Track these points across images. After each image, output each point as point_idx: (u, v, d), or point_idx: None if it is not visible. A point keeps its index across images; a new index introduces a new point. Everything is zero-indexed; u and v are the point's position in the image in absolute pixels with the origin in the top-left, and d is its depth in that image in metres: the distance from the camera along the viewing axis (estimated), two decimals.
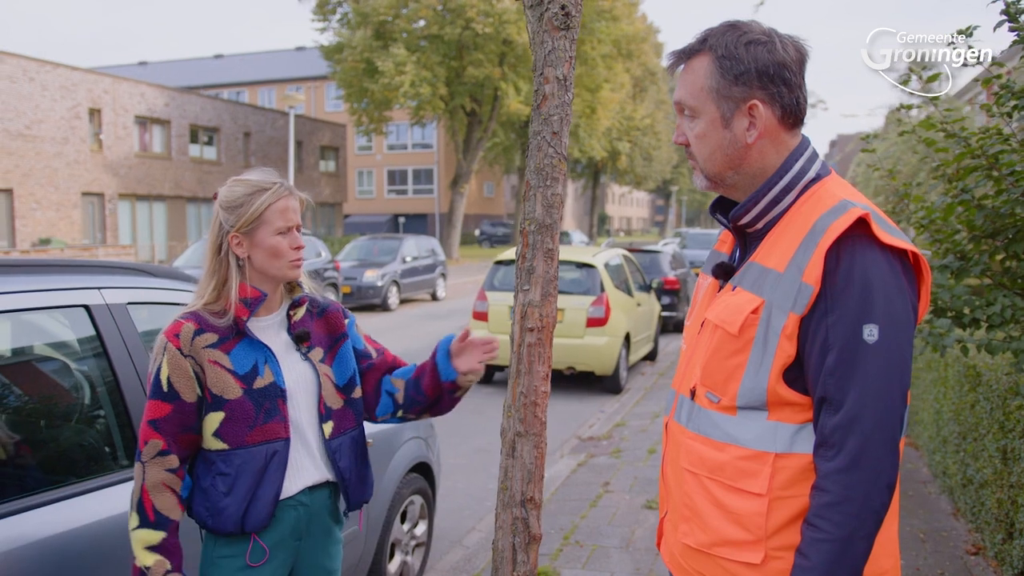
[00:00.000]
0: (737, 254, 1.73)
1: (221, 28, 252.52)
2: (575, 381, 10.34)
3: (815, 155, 1.64)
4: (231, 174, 24.94)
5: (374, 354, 2.37)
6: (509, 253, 10.84)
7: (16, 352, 2.80)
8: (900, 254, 1.49)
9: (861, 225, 1.47)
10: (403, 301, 20.22)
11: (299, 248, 2.14)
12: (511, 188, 60.27)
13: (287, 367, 2.15)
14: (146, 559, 1.99)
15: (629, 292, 10.66)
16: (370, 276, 18.64)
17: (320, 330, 2.27)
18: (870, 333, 1.43)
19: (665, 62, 1.71)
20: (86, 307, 2.64)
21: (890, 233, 1.48)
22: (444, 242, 37.56)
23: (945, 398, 5.35)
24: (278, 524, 2.10)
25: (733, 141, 1.60)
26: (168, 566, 1.99)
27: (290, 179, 25.01)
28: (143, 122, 29.91)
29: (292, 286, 2.27)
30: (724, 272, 1.71)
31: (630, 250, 14.30)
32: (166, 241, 30.49)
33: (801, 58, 1.60)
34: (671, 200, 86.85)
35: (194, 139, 32.50)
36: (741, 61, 1.56)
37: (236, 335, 2.09)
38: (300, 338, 2.20)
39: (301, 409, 2.15)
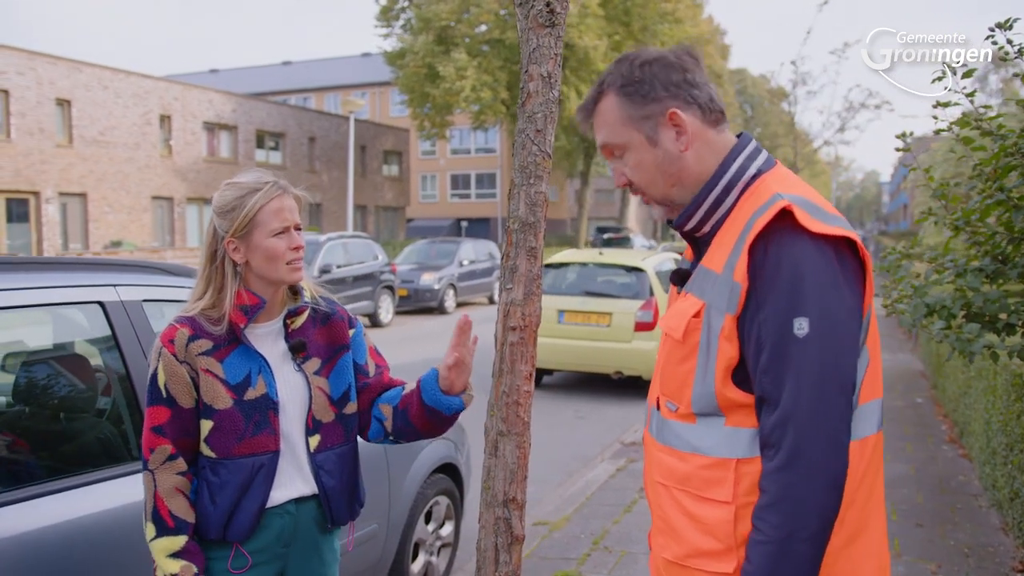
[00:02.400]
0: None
1: (290, 36, 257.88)
2: (623, 386, 10.25)
3: (757, 151, 1.60)
4: (296, 179, 25.23)
5: (372, 372, 2.27)
6: (559, 256, 10.81)
7: (33, 346, 2.90)
8: (834, 241, 1.43)
9: (786, 216, 1.42)
10: (460, 304, 20.34)
11: (298, 248, 2.06)
12: (574, 192, 60.10)
13: (281, 378, 2.10)
14: (171, 566, 1.96)
15: None
16: (427, 279, 18.81)
17: (320, 339, 2.19)
18: (800, 327, 1.38)
19: (577, 119, 1.69)
20: (101, 304, 2.71)
21: (822, 221, 1.43)
22: None
23: (994, 407, 5.15)
24: (264, 531, 2.07)
25: (667, 156, 1.57)
26: (195, 569, 1.97)
27: (350, 183, 25.54)
28: (211, 128, 30.73)
29: (294, 292, 2.19)
30: (680, 279, 1.68)
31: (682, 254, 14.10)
32: None
33: (695, 58, 1.60)
34: None
35: (260, 144, 33.24)
36: (643, 81, 1.55)
37: (231, 343, 2.05)
38: (296, 349, 2.13)
39: (292, 421, 2.10)
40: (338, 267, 15.67)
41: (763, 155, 1.60)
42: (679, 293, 1.66)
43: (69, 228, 25.23)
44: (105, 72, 25.92)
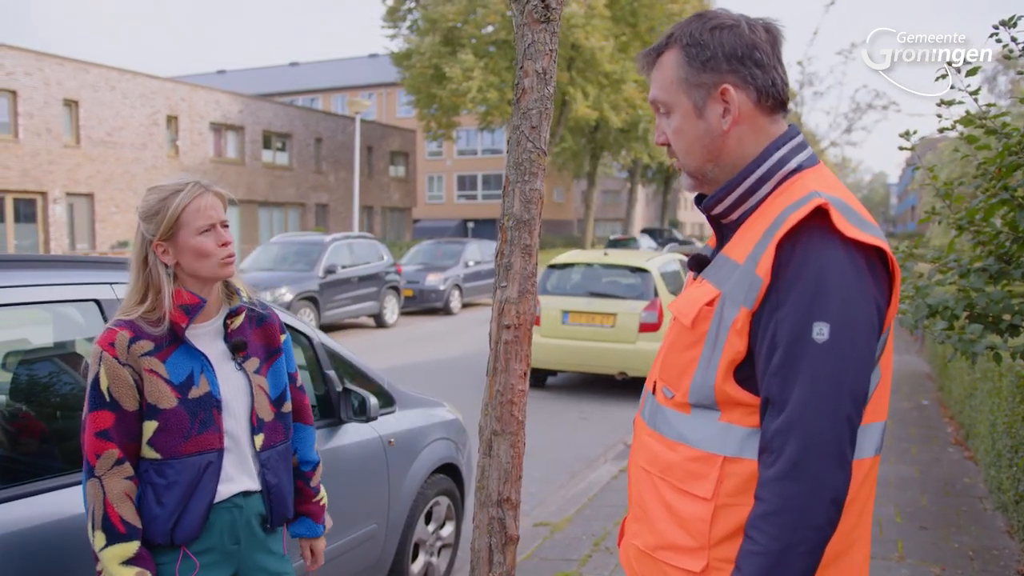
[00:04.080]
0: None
1: (297, 37, 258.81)
2: (627, 387, 10.23)
3: (801, 145, 1.54)
4: (303, 179, 25.21)
5: (297, 383, 2.39)
6: (563, 257, 10.80)
7: (30, 344, 2.89)
8: (866, 250, 1.38)
9: (821, 216, 1.37)
10: (465, 305, 20.31)
11: (227, 244, 2.09)
12: (581, 194, 60.08)
13: (223, 377, 2.12)
14: (126, 574, 1.94)
15: None
16: (432, 280, 18.80)
17: (258, 340, 2.24)
18: (819, 332, 1.33)
19: (637, 64, 1.64)
20: (97, 301, 2.70)
21: (857, 227, 1.37)
22: None
23: (999, 409, 5.12)
24: (212, 528, 2.07)
25: (709, 131, 1.52)
26: (149, 575, 1.97)
27: (356, 184, 25.55)
28: (218, 128, 30.78)
29: (231, 293, 2.22)
30: (698, 264, 1.63)
31: (687, 255, 14.08)
32: (239, 244, 31.24)
33: (773, 39, 1.52)
34: None
35: (267, 145, 33.28)
36: (707, 47, 1.49)
37: (172, 343, 2.06)
38: (236, 348, 2.16)
39: (236, 419, 2.12)
40: (343, 267, 15.66)
41: (807, 151, 1.53)
42: (695, 279, 1.61)
43: (76, 228, 25.30)
44: (112, 73, 25.99)
